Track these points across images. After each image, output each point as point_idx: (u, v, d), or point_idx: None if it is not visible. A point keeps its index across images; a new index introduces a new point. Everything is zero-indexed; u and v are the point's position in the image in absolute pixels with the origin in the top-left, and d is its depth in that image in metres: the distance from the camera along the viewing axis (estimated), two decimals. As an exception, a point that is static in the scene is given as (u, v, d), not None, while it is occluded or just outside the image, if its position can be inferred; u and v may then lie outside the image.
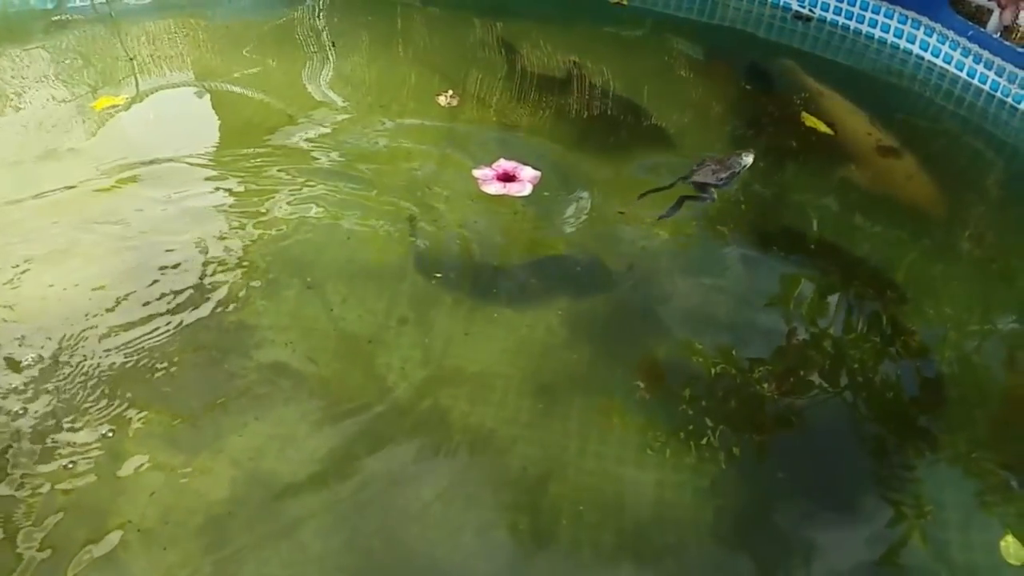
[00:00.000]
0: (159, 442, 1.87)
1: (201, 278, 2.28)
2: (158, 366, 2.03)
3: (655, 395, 2.09)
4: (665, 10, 4.06)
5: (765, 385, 2.12)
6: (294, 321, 2.19)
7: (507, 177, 2.68)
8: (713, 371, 2.16)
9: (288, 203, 2.56)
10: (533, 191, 2.66)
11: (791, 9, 3.96)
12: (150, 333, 2.11)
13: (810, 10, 3.93)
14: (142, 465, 1.82)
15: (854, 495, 1.92)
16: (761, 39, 3.91)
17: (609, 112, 3.21)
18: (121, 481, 1.79)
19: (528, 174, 2.70)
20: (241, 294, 2.24)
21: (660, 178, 2.79)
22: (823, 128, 3.07)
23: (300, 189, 2.62)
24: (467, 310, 2.27)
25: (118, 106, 2.97)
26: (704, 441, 1.98)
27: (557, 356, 2.17)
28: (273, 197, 2.58)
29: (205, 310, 2.19)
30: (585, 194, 2.70)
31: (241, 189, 2.61)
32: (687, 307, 2.35)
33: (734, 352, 2.20)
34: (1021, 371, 2.26)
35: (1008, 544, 1.79)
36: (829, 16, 3.89)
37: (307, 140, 2.86)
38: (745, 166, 2.81)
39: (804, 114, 3.18)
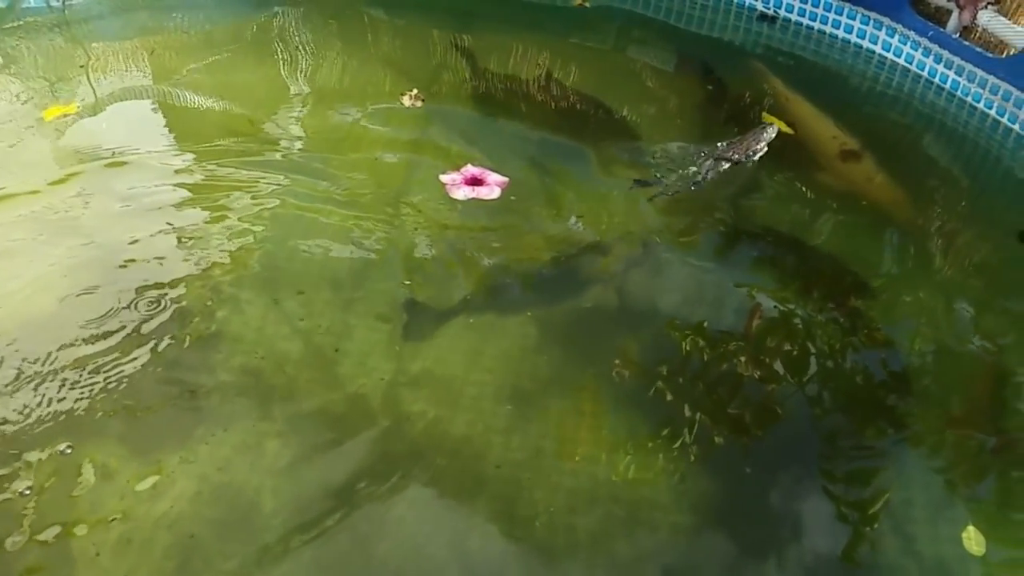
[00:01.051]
0: (120, 456, 1.84)
1: (161, 285, 2.24)
2: (118, 374, 1.99)
3: (627, 396, 2.09)
4: (632, 9, 4.08)
5: (737, 384, 2.13)
6: (259, 329, 2.16)
7: (475, 181, 2.67)
8: (684, 372, 2.16)
9: (251, 209, 2.52)
10: (501, 195, 2.66)
11: (756, 10, 3.99)
12: (109, 342, 2.07)
13: (775, 11, 3.96)
14: (103, 479, 1.79)
15: (822, 491, 1.93)
16: (728, 40, 3.94)
17: (576, 113, 3.21)
18: (82, 496, 1.75)
19: (496, 178, 2.69)
20: (204, 301, 2.21)
21: (626, 181, 2.80)
22: (784, 127, 3.10)
23: (263, 195, 2.59)
24: (437, 315, 2.25)
25: (70, 114, 2.90)
26: (675, 441, 1.98)
27: (529, 359, 2.16)
28: (235, 203, 2.54)
29: (166, 317, 2.15)
30: (553, 196, 2.70)
31: (202, 194, 2.57)
32: (659, 308, 2.36)
33: (704, 352, 2.21)
34: (983, 367, 2.30)
35: (970, 535, 1.82)
36: (794, 17, 3.93)
37: (269, 145, 2.82)
38: (769, 139, 2.91)
39: (764, 114, 3.21)
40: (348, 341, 2.15)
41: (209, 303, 2.20)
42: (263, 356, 2.09)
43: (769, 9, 3.97)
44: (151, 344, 2.08)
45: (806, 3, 3.86)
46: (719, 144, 2.92)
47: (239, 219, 2.48)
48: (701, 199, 2.79)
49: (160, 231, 2.42)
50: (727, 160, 2.85)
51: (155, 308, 2.17)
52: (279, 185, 2.62)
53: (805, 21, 3.90)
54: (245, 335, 2.14)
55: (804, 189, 2.87)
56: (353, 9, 3.84)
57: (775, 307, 2.39)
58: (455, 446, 1.93)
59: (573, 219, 2.62)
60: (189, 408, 1.95)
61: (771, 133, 2.92)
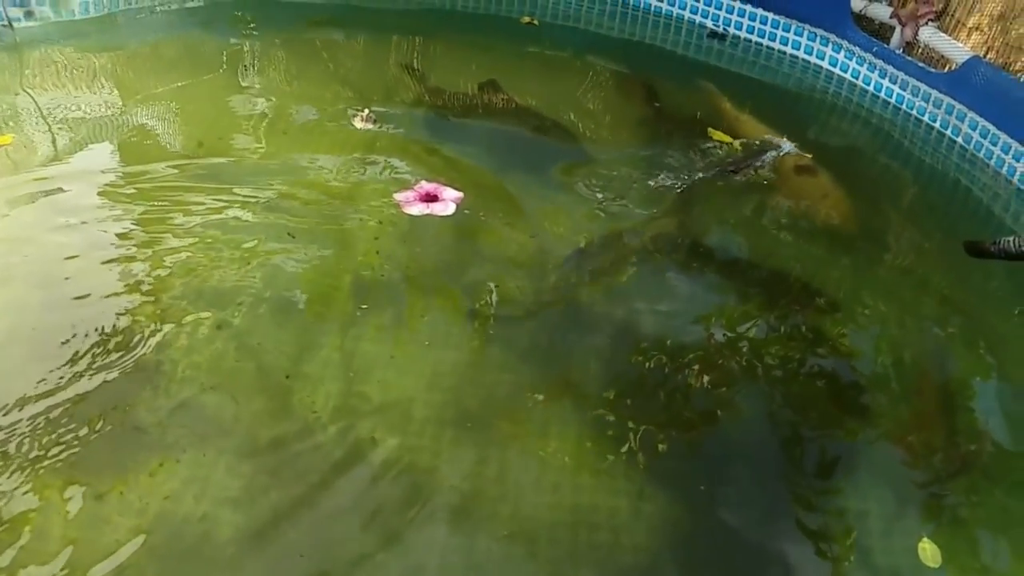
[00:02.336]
0: (62, 488, 1.76)
1: (103, 311, 2.16)
2: (57, 404, 1.91)
3: (584, 413, 2.07)
4: (583, 27, 4.11)
5: (695, 399, 2.12)
6: (207, 356, 2.09)
7: (429, 198, 2.64)
8: (638, 388, 2.15)
9: (199, 233, 2.45)
10: (456, 210, 2.63)
11: (706, 28, 4.05)
12: (46, 369, 1.98)
13: (724, 29, 4.02)
14: (45, 513, 1.70)
15: (777, 505, 1.93)
16: (679, 56, 4.00)
17: (527, 130, 3.21)
18: (22, 532, 1.67)
19: (450, 194, 2.67)
20: (148, 326, 2.13)
21: (577, 194, 2.80)
22: (726, 139, 3.14)
23: (211, 218, 2.51)
24: (391, 338, 2.21)
25: (4, 145, 2.80)
26: (628, 459, 1.96)
27: (487, 378, 2.13)
28: (182, 226, 2.47)
29: (108, 343, 2.07)
30: (507, 212, 2.68)
31: (147, 218, 2.49)
32: (613, 324, 2.34)
33: (658, 368, 2.20)
34: (933, 379, 2.32)
35: (925, 548, 1.83)
36: (742, 34, 3.99)
37: (218, 167, 2.75)
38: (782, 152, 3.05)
39: (710, 129, 3.24)
40: (299, 365, 2.09)
41: (152, 328, 2.13)
42: (210, 382, 2.02)
43: (719, 27, 4.03)
44: (92, 372, 2.00)
45: (754, 20, 3.93)
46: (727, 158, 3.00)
47: (185, 243, 2.41)
48: (658, 213, 2.80)
49: (104, 256, 2.34)
50: (734, 172, 2.91)
51: (96, 334, 2.09)
52: (228, 208, 2.55)
53: (754, 38, 3.96)
54: (191, 361, 2.07)
55: (759, 205, 2.90)
56: (304, 29, 3.80)
57: (732, 321, 2.39)
58: (410, 469, 1.88)
59: (529, 234, 2.61)
60: (132, 438, 1.88)
61: (785, 147, 3.03)
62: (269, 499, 1.79)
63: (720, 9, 3.99)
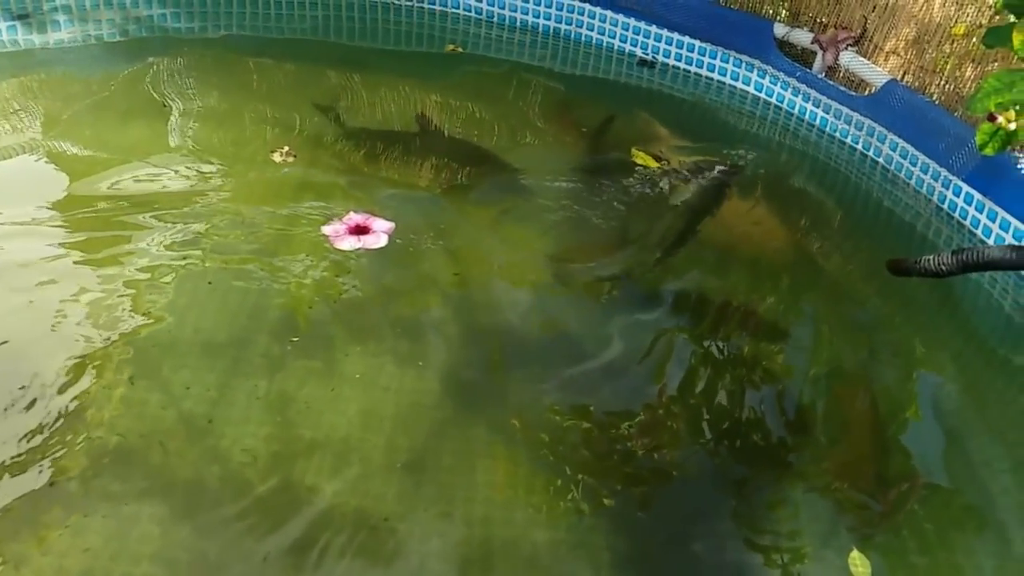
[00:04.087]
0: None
1: (16, 362, 2.06)
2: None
3: (525, 452, 2.03)
4: (510, 58, 4.14)
5: (632, 435, 2.11)
6: (126, 404, 2.00)
7: (360, 230, 2.60)
8: (581, 425, 2.13)
9: (120, 276, 2.36)
10: (389, 242, 2.60)
11: (635, 56, 4.12)
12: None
13: (653, 56, 4.10)
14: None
15: (711, 526, 1.93)
16: (611, 83, 4.05)
17: (456, 159, 3.19)
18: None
19: (382, 225, 2.63)
20: (66, 375, 2.04)
21: (508, 221, 2.80)
22: (652, 163, 3.18)
23: (131, 260, 2.42)
24: (323, 375, 2.15)
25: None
26: (572, 494, 1.94)
27: (423, 417, 2.08)
28: (102, 269, 2.38)
29: (30, 394, 1.97)
30: (441, 242, 2.66)
31: (66, 259, 2.40)
32: (554, 360, 2.32)
33: (601, 406, 2.18)
34: (866, 403, 2.36)
35: (855, 558, 1.85)
36: (671, 61, 4.07)
37: (139, 207, 2.65)
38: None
39: (634, 149, 3.27)
40: (223, 410, 2.02)
41: (67, 378, 2.04)
42: (130, 432, 1.94)
43: (648, 54, 4.11)
44: (6, 425, 1.90)
45: (681, 48, 4.01)
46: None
47: (105, 287, 2.32)
48: (593, 244, 2.81)
49: (12, 305, 2.23)
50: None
51: (11, 385, 1.99)
52: (148, 249, 2.47)
53: (682, 65, 4.04)
54: (109, 411, 1.98)
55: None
56: (228, 63, 3.75)
57: (663, 351, 2.40)
58: (347, 514, 1.82)
59: (462, 264, 2.59)
60: (49, 494, 1.78)
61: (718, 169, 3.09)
62: (195, 551, 1.71)
63: (648, 38, 4.06)
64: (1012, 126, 2.22)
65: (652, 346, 2.40)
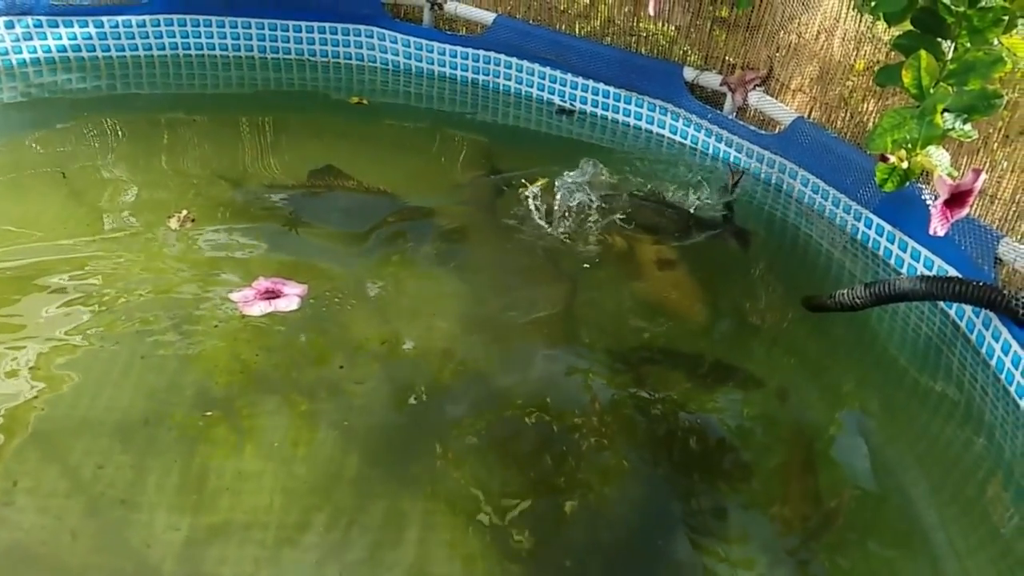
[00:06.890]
0: None
1: None
2: None
3: (462, 510, 1.97)
4: (427, 107, 4.16)
5: (563, 487, 2.07)
6: (26, 487, 1.88)
7: (270, 294, 2.52)
8: (510, 482, 2.08)
9: (22, 356, 2.23)
10: (302, 304, 2.52)
11: (554, 104, 4.17)
12: None
13: (571, 104, 4.15)
14: None
15: (660, 561, 1.90)
16: (532, 131, 4.08)
17: (364, 212, 3.13)
18: None
19: (293, 288, 2.55)
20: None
21: (425, 270, 2.78)
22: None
23: (33, 341, 2.30)
24: (237, 447, 2.06)
25: None
26: (508, 545, 1.89)
27: (344, 486, 2.00)
28: (2, 351, 2.26)
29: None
30: (357, 300, 2.59)
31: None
32: (477, 418, 2.26)
33: (528, 464, 2.14)
34: (796, 441, 2.36)
35: None
36: (588, 108, 4.12)
37: (39, 284, 2.53)
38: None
39: (523, 181, 3.25)
40: (137, 493, 1.92)
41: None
42: (35, 523, 1.81)
43: (566, 102, 4.15)
44: None
45: (597, 95, 4.07)
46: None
47: (6, 369, 2.19)
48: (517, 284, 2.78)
49: None
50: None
51: None
52: (50, 327, 2.35)
53: (599, 111, 4.10)
54: (14, 500, 1.86)
55: (613, 291, 2.91)
56: (133, 125, 3.66)
57: (606, 393, 2.38)
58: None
59: (381, 320, 2.53)
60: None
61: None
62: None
63: (565, 86, 4.12)
64: (905, 164, 2.28)
65: (582, 393, 2.37)
